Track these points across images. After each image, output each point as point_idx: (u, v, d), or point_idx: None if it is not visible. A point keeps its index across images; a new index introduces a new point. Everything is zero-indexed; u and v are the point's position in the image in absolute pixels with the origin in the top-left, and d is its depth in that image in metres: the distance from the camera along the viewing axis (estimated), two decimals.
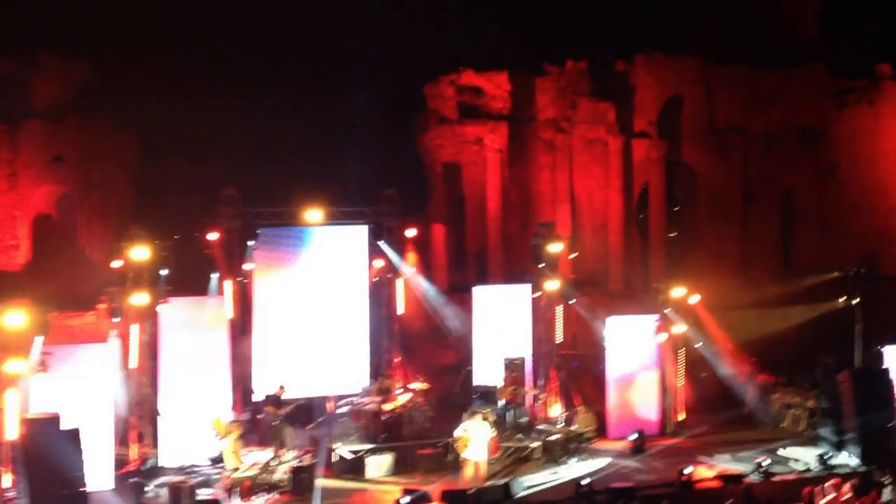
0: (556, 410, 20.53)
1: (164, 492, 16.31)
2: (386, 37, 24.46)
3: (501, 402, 20.02)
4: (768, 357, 22.43)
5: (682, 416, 20.61)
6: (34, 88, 23.72)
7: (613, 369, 20.32)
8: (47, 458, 14.41)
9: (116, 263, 18.42)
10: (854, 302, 20.26)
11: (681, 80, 27.04)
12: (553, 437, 18.74)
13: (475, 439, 16.50)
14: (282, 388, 19.16)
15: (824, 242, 27.17)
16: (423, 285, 23.38)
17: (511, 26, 26.56)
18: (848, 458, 17.88)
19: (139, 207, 22.84)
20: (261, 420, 19.11)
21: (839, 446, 18.15)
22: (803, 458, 18.12)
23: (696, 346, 21.51)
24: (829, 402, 18.73)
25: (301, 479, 16.71)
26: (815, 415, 20.04)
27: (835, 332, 21.17)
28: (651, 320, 20.47)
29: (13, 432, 14.90)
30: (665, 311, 20.43)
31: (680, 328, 20.48)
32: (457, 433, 16.81)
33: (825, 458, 17.76)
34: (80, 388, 16.78)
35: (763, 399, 21.62)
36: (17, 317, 15.13)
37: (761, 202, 27.56)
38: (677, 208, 28.44)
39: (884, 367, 18.96)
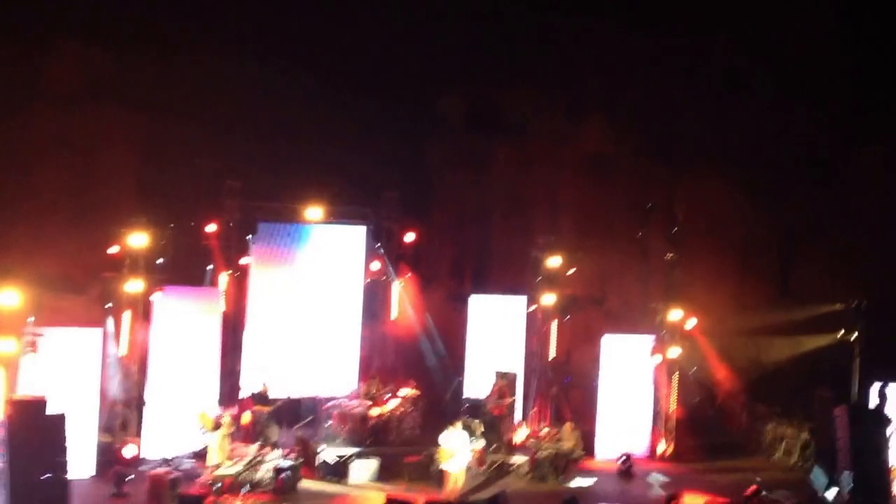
0: (544, 426, 20.37)
1: (145, 482, 16.14)
2: (404, 39, 24.45)
3: (487, 414, 19.87)
4: (763, 387, 22.27)
5: (672, 441, 20.44)
6: (44, 72, 23.59)
7: (606, 388, 20.18)
8: (30, 442, 14.26)
9: (114, 249, 18.37)
10: (852, 336, 20.14)
11: (690, 102, 26.94)
12: (541, 454, 18.58)
13: (456, 450, 16.26)
14: (266, 385, 19.12)
15: (827, 274, 26.96)
16: (418, 292, 23.21)
17: (524, 39, 26.49)
18: (839, 495, 17.69)
19: (141, 194, 22.71)
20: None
21: (831, 482, 17.97)
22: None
23: (691, 370, 21.36)
24: (822, 435, 18.59)
25: (284, 479, 16.56)
26: (807, 448, 19.91)
27: (833, 365, 21.01)
28: (647, 341, 20.35)
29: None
30: (661, 334, 20.30)
31: (675, 351, 20.34)
32: (441, 442, 16.57)
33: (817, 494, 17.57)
34: (68, 371, 16.71)
35: (755, 428, 21.45)
36: (10, 296, 15.13)
37: (763, 228, 27.42)
38: (677, 230, 28.25)
39: (879, 403, 18.82)
